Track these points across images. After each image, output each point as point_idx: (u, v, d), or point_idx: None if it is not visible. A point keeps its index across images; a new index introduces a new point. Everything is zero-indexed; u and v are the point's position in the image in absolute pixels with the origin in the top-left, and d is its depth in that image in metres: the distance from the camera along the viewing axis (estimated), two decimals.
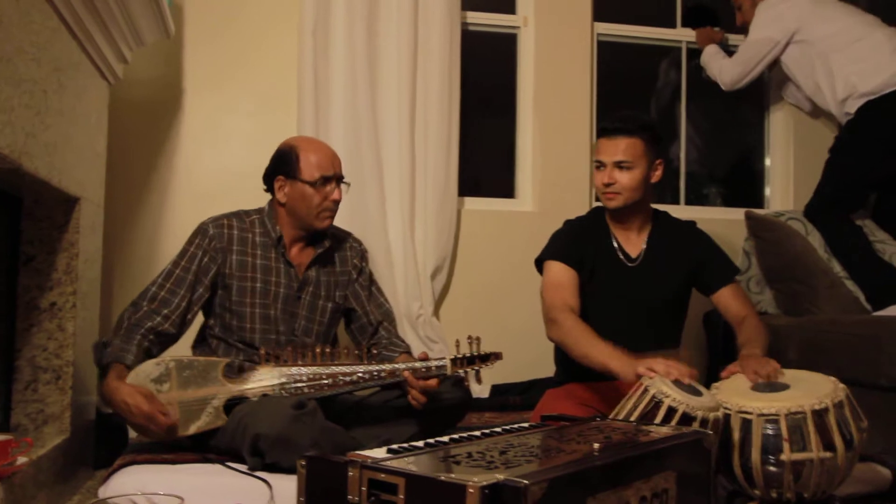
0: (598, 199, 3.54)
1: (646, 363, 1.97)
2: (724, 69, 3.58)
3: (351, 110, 3.20)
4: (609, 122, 2.46)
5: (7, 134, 1.54)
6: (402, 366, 2.20)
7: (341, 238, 2.53)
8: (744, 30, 3.61)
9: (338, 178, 2.37)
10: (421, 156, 3.31)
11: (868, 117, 3.17)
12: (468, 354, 2.24)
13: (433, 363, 2.21)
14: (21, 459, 1.68)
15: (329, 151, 2.40)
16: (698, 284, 2.55)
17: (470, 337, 2.26)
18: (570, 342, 2.26)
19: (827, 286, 3.09)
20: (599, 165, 2.44)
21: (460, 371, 2.23)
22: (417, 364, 2.21)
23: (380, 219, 3.23)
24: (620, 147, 2.40)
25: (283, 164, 2.36)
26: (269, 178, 2.40)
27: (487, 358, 2.27)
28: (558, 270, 2.43)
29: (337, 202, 2.36)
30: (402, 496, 1.12)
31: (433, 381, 2.20)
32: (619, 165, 2.40)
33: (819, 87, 3.33)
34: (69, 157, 2.02)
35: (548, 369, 2.81)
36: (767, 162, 4.02)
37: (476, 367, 2.25)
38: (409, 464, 1.19)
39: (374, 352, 2.38)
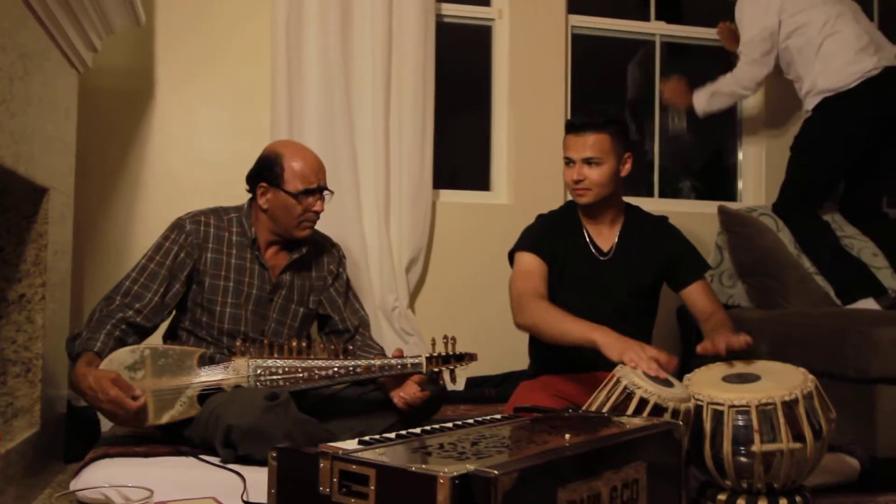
0: None
1: (630, 348, 1.98)
2: (738, 77, 3.43)
3: (325, 102, 3.18)
4: (576, 117, 2.47)
5: None
6: (377, 362, 2.20)
7: (320, 243, 2.51)
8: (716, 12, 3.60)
9: (321, 189, 2.35)
10: (395, 148, 3.30)
11: (824, 114, 3.19)
12: (443, 353, 2.25)
13: (409, 360, 2.21)
14: None
15: (315, 163, 2.36)
16: (668, 279, 2.57)
17: (445, 336, 2.26)
18: (543, 324, 2.26)
19: (797, 281, 3.14)
20: (568, 162, 2.44)
21: (435, 369, 2.24)
22: (394, 361, 2.21)
23: (355, 211, 3.21)
24: (588, 143, 2.40)
25: (267, 171, 2.33)
26: (252, 181, 2.37)
27: (462, 358, 2.29)
28: (529, 261, 2.43)
29: (318, 213, 2.35)
30: (372, 487, 1.11)
31: (424, 393, 2.23)
32: (587, 162, 2.40)
33: (797, 78, 3.35)
34: (37, 147, 1.99)
35: (523, 362, 2.82)
36: (740, 156, 4.05)
37: (451, 367, 2.26)
38: (380, 455, 1.18)
39: (350, 347, 2.38)
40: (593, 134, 2.40)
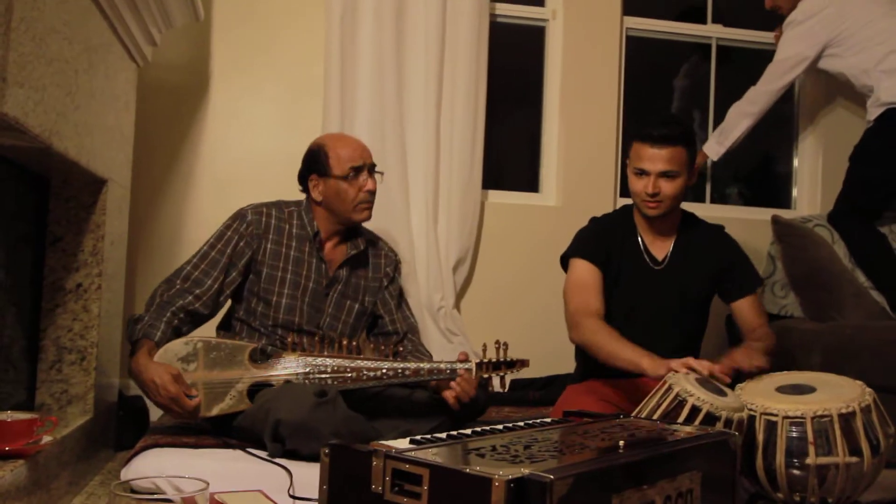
0: (622, 196, 3.54)
1: (678, 361, 1.97)
2: (753, 98, 3.38)
3: (377, 99, 3.19)
4: (654, 128, 2.35)
5: (39, 113, 1.54)
6: (426, 365, 2.20)
7: (377, 244, 2.54)
8: (772, 16, 3.53)
9: (369, 168, 2.37)
10: (446, 147, 3.30)
11: (885, 125, 3.13)
12: (494, 360, 2.23)
13: (459, 366, 2.20)
14: (46, 438, 1.69)
15: (358, 143, 2.42)
16: (720, 290, 2.53)
17: (497, 342, 2.24)
18: (596, 343, 2.26)
19: (852, 295, 3.06)
20: (641, 173, 2.36)
21: (485, 376, 2.22)
22: (443, 365, 2.20)
23: (403, 210, 3.22)
24: (665, 157, 2.32)
25: (314, 164, 2.37)
26: (303, 179, 2.41)
27: (514, 364, 2.26)
28: (583, 270, 2.41)
29: (372, 192, 2.36)
30: (426, 487, 1.11)
31: (471, 389, 2.22)
32: (664, 175, 2.34)
33: (863, 89, 3.29)
34: (98, 138, 2.03)
35: (567, 365, 2.80)
36: (795, 163, 3.97)
37: (501, 373, 2.24)
38: (433, 455, 1.18)
39: (401, 349, 2.38)
40: (672, 147, 2.32)
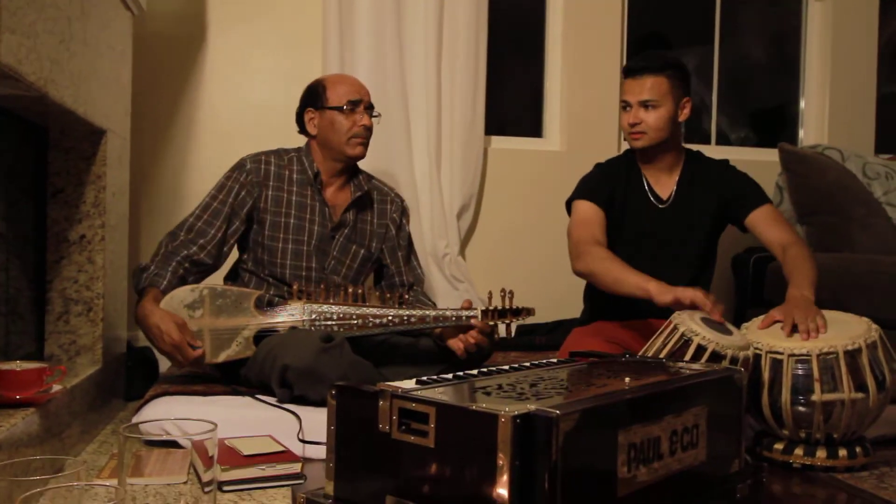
0: (626, 140, 3.50)
1: (682, 291, 1.97)
2: None
3: (377, 47, 3.14)
4: (633, 61, 2.43)
5: (32, 60, 1.52)
6: (431, 312, 2.20)
7: (384, 190, 2.53)
8: None
9: (366, 105, 2.35)
10: (447, 93, 3.26)
11: None
12: (500, 307, 2.23)
13: (464, 313, 2.20)
14: (55, 387, 1.70)
15: (356, 81, 2.42)
16: (731, 217, 2.46)
17: (503, 290, 2.24)
18: (601, 271, 2.24)
19: (862, 216, 2.99)
20: (625, 106, 2.40)
21: (491, 323, 2.23)
22: (448, 312, 2.20)
23: (406, 157, 3.19)
24: (646, 86, 2.35)
25: (311, 97, 2.39)
26: (299, 116, 2.41)
27: (519, 312, 2.27)
28: (586, 209, 2.40)
29: (367, 128, 2.35)
30: (432, 425, 1.11)
31: (482, 339, 2.21)
32: (644, 105, 2.36)
33: None
34: (95, 88, 2.00)
35: (573, 310, 2.80)
36: (802, 104, 3.92)
37: (507, 321, 2.24)
38: (439, 394, 1.18)
39: (407, 297, 2.38)
40: (651, 77, 2.36)
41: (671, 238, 2.43)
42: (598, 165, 2.57)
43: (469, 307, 2.22)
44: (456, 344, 2.23)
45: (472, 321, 2.20)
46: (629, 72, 2.41)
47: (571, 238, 2.39)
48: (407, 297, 2.41)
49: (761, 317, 2.04)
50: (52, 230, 2.09)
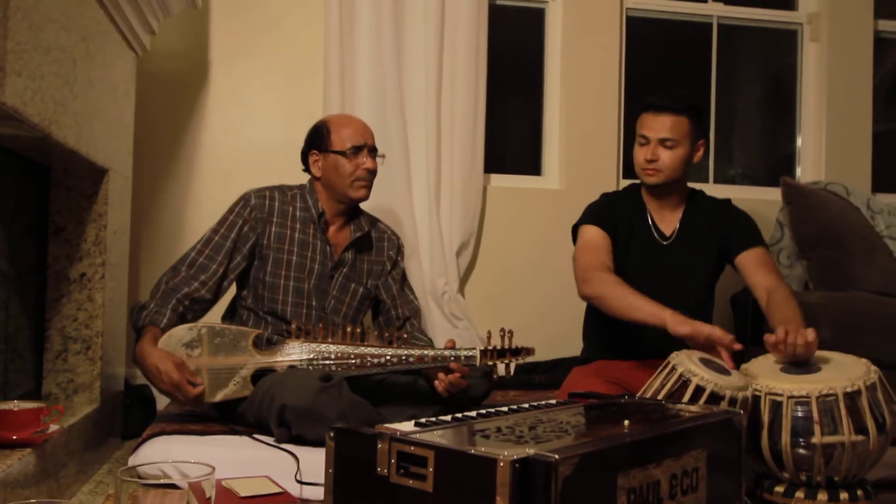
0: (625, 177, 3.53)
1: (701, 325, 1.96)
2: None
3: (377, 85, 3.18)
4: (657, 98, 2.42)
5: (37, 102, 1.54)
6: (430, 352, 2.19)
7: (381, 229, 2.55)
8: None
9: (370, 149, 2.37)
10: (447, 131, 3.29)
11: None
12: (499, 347, 2.22)
13: (462, 353, 2.19)
14: (52, 427, 1.70)
15: (361, 123, 2.43)
16: (725, 254, 2.48)
17: (503, 330, 2.23)
18: (611, 295, 2.23)
19: (863, 251, 2.98)
20: (643, 141, 2.40)
21: (490, 363, 2.22)
22: (447, 352, 2.20)
23: (405, 195, 3.21)
24: (667, 125, 2.37)
25: (316, 139, 2.40)
26: (304, 157, 2.43)
27: (519, 352, 2.25)
28: (594, 233, 2.40)
29: (371, 172, 2.36)
30: (431, 469, 1.11)
31: (462, 382, 2.20)
32: (663, 143, 2.37)
33: None
34: (98, 128, 2.02)
35: (572, 348, 2.80)
36: (799, 142, 3.95)
37: (506, 361, 2.23)
38: (438, 437, 1.18)
39: (405, 336, 2.38)
40: (672, 116, 2.37)
41: (673, 274, 2.44)
42: (604, 195, 2.59)
43: (452, 347, 2.21)
44: (438, 384, 2.22)
45: (452, 364, 2.18)
46: (650, 107, 2.41)
47: (578, 263, 2.38)
48: (406, 335, 2.40)
49: (761, 357, 2.04)
50: (52, 268, 2.10)
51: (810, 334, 1.92)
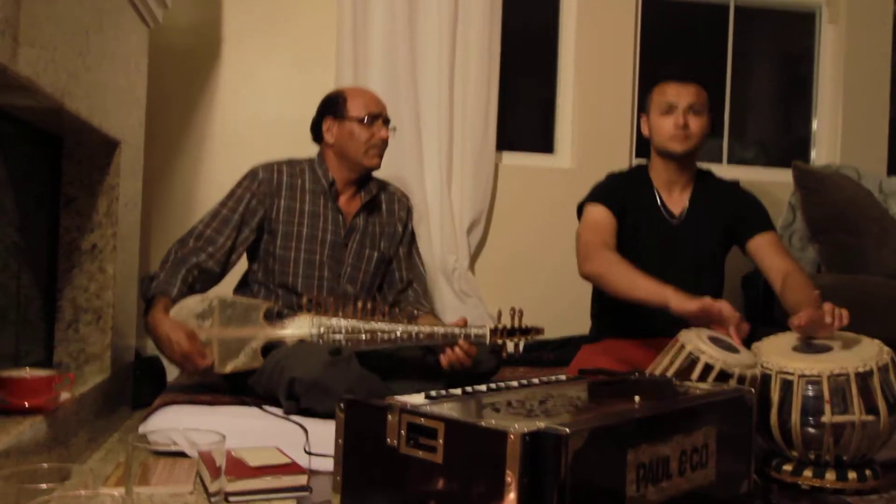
0: (637, 157, 3.51)
1: (710, 301, 1.95)
2: None
3: (390, 62, 3.16)
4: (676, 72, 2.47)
5: (50, 72, 1.53)
6: (440, 330, 2.19)
7: (390, 190, 2.54)
8: None
9: (385, 119, 2.37)
10: (459, 109, 3.28)
11: None
12: (509, 326, 2.22)
13: (473, 331, 2.19)
14: (64, 395, 1.71)
15: (375, 95, 2.45)
16: (735, 238, 2.47)
17: (513, 309, 2.23)
18: (613, 274, 2.22)
19: (876, 234, 2.95)
20: (669, 109, 2.40)
21: (499, 342, 2.22)
22: (457, 330, 2.20)
23: (417, 172, 3.20)
24: (693, 92, 2.40)
25: (330, 107, 2.40)
26: (316, 125, 2.42)
27: (528, 332, 2.25)
28: (599, 212, 2.39)
29: (385, 141, 2.37)
30: (441, 441, 1.11)
31: (467, 360, 2.19)
32: (691, 108, 2.38)
33: None
34: (110, 100, 2.02)
35: (582, 326, 2.79)
36: (814, 125, 3.92)
37: (515, 340, 2.23)
38: (448, 409, 1.18)
39: (410, 299, 2.38)
40: (695, 86, 2.41)
41: (682, 254, 2.43)
42: (611, 175, 2.57)
43: (464, 325, 2.21)
44: (442, 358, 2.21)
45: (460, 342, 2.18)
46: (674, 78, 2.44)
47: (581, 240, 2.37)
48: (410, 300, 2.40)
49: (772, 336, 2.03)
50: (63, 239, 2.10)
51: (846, 314, 1.90)
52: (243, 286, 2.41)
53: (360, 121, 2.34)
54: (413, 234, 2.58)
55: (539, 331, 2.28)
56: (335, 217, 2.38)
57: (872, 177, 3.16)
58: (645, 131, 2.52)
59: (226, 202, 2.31)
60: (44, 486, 0.96)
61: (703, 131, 2.41)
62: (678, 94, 2.40)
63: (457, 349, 2.19)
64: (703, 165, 2.60)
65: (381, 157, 2.38)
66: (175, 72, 3.11)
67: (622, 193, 2.44)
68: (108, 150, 2.15)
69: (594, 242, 2.31)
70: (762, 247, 2.38)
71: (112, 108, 2.05)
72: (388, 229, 2.48)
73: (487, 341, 2.19)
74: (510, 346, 2.26)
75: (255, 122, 3.18)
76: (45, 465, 1.08)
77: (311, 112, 2.48)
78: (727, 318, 1.95)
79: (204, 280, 2.25)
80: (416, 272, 2.54)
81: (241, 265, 2.41)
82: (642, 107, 2.55)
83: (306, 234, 2.34)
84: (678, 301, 2.02)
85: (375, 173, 2.47)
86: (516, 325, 2.23)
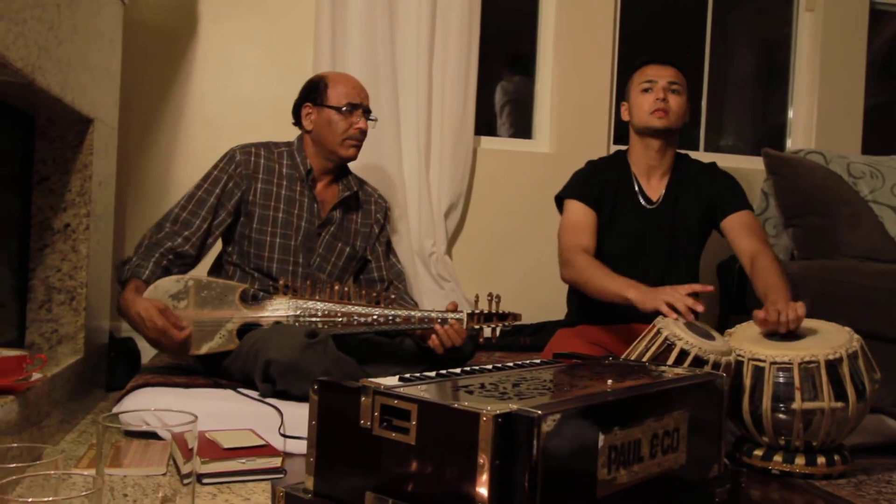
0: (615, 143, 3.52)
1: (664, 293, 1.96)
2: None
3: (369, 44, 3.14)
4: (652, 55, 2.52)
5: (20, 46, 1.50)
6: (417, 313, 2.20)
7: (368, 191, 2.54)
8: None
9: (365, 109, 2.35)
10: (438, 92, 3.26)
11: None
12: (486, 311, 2.23)
13: (450, 315, 2.20)
14: (35, 375, 1.69)
15: (358, 84, 2.41)
16: (713, 220, 2.49)
17: (490, 294, 2.24)
18: (585, 279, 2.25)
19: (848, 216, 2.99)
20: (648, 87, 2.44)
21: (476, 327, 2.23)
22: (434, 314, 2.20)
23: (395, 155, 3.19)
24: (671, 72, 2.44)
25: (311, 92, 2.38)
26: (297, 109, 2.40)
27: (505, 317, 2.28)
28: (576, 210, 2.41)
29: (363, 132, 2.35)
30: (414, 422, 1.11)
31: (458, 338, 2.20)
32: (670, 86, 2.42)
33: None
34: (83, 76, 1.99)
35: (558, 311, 2.81)
36: (790, 113, 3.94)
37: (493, 325, 2.25)
38: (421, 391, 1.18)
39: (392, 297, 2.38)
40: (673, 68, 2.46)
41: (659, 240, 2.45)
42: (589, 163, 2.59)
43: (454, 310, 2.22)
44: (433, 340, 2.22)
45: (453, 322, 2.20)
46: (652, 60, 2.49)
47: (560, 243, 2.41)
48: (392, 296, 2.41)
49: (745, 323, 2.05)
50: (36, 218, 2.07)
51: (800, 308, 1.93)
52: (217, 268, 2.40)
53: (339, 109, 2.32)
54: (389, 236, 2.60)
55: (516, 317, 2.30)
56: (310, 205, 2.36)
57: (839, 160, 3.19)
58: (625, 116, 2.54)
59: (202, 184, 2.29)
60: (14, 465, 0.95)
61: (682, 110, 2.44)
62: (658, 73, 2.44)
63: (447, 328, 2.19)
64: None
65: (358, 148, 2.36)
66: (150, 49, 3.06)
67: (599, 182, 2.46)
68: (81, 128, 2.11)
69: (571, 247, 2.35)
70: (735, 227, 2.40)
71: (85, 85, 2.01)
72: (363, 229, 2.48)
73: (465, 326, 2.20)
74: (487, 332, 2.27)
75: (231, 101, 3.15)
76: (16, 445, 1.07)
77: (289, 92, 2.46)
78: (683, 313, 1.95)
79: (179, 264, 2.23)
80: (395, 271, 2.55)
81: (216, 247, 2.39)
82: (621, 93, 2.57)
83: (282, 218, 2.32)
84: (638, 297, 2.05)
85: (355, 162, 2.45)
86: (493, 310, 2.24)
